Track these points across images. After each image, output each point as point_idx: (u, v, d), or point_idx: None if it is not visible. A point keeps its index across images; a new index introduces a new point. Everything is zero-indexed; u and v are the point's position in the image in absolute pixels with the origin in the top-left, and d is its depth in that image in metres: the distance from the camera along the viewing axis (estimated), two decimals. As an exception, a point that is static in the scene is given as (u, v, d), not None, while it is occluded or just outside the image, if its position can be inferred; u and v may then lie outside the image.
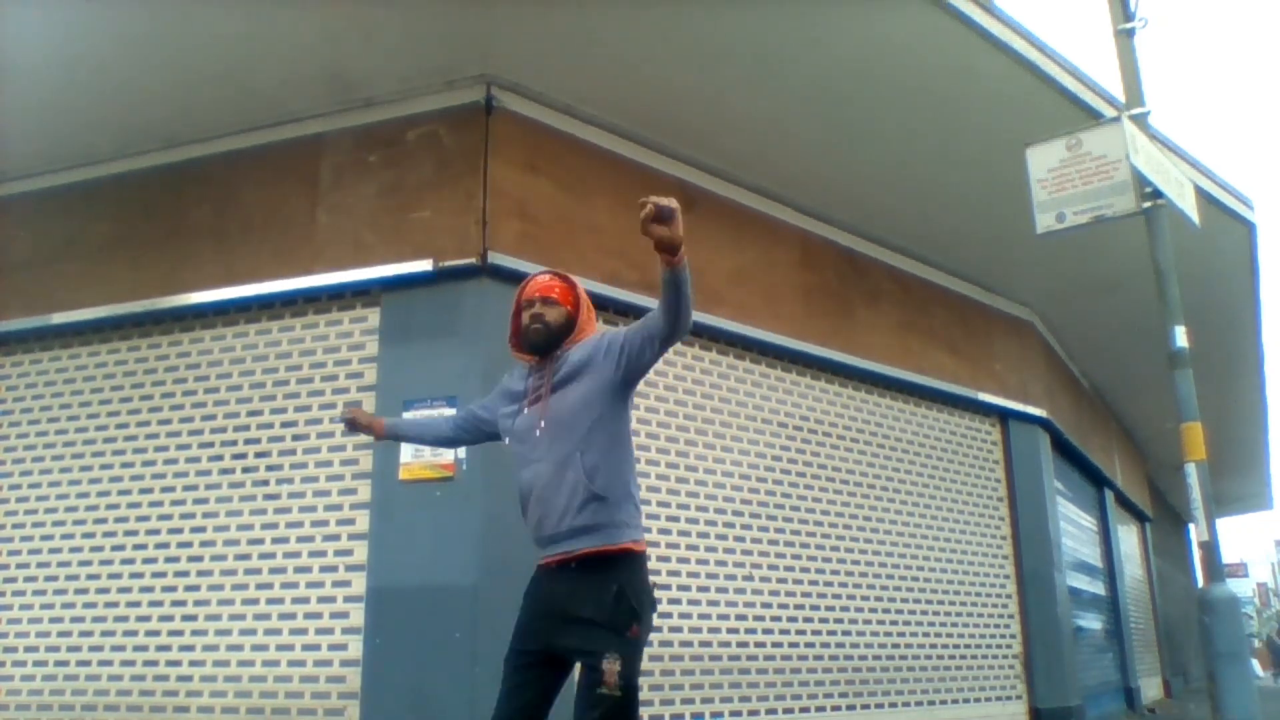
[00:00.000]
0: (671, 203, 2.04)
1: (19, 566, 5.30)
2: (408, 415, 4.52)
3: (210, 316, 5.24)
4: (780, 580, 5.82)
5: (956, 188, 6.26)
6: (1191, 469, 4.45)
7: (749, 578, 5.64)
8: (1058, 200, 4.70)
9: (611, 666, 2.18)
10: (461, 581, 4.29)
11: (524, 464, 2.47)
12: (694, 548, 5.40)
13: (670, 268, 2.14)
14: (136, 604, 4.98)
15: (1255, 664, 18.80)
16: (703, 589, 5.38)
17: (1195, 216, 5.12)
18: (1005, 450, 7.75)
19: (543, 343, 2.51)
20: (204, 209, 5.33)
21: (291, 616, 4.66)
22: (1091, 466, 10.25)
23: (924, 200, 6.41)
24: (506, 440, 2.58)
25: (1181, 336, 4.60)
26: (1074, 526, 9.48)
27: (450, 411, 4.59)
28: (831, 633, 6.04)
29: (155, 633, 4.90)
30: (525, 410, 2.50)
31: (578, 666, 2.33)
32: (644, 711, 2.07)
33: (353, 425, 2.93)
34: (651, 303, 5.21)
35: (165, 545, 5.01)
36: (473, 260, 4.64)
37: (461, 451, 4.45)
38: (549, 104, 5.08)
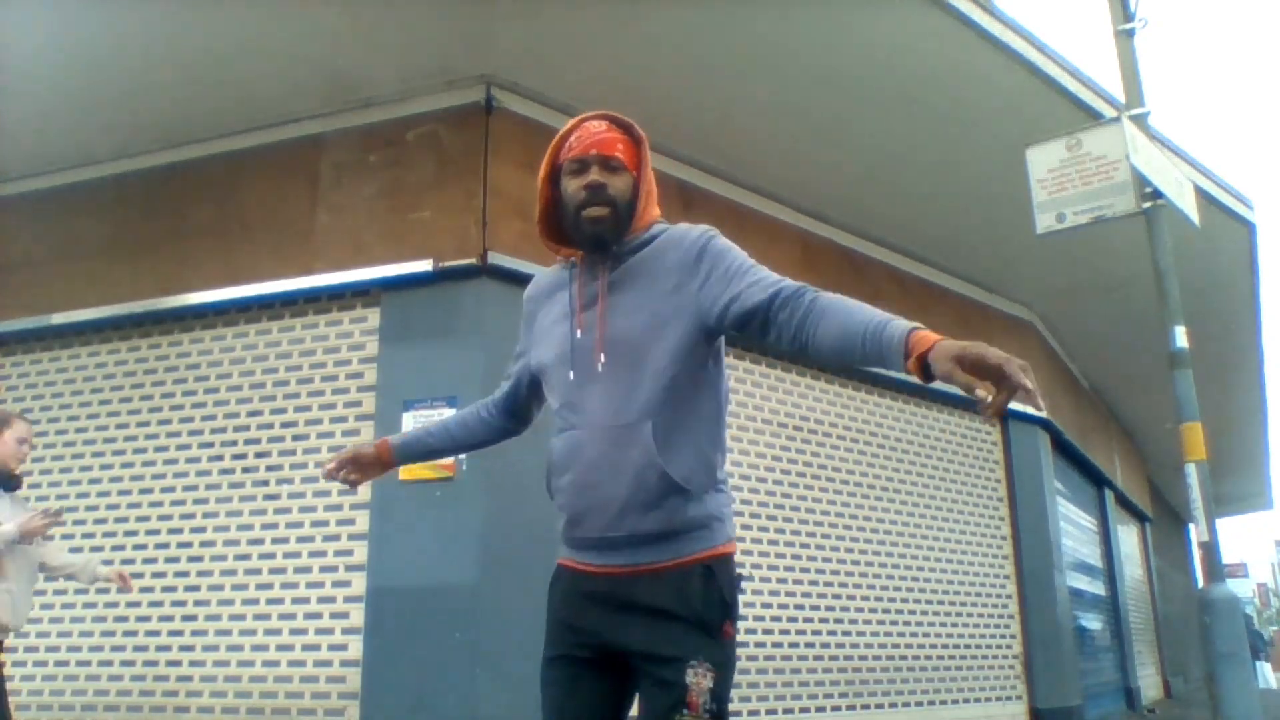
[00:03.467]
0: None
1: (19, 566, 5.30)
2: (415, 422, 4.52)
3: (210, 316, 5.24)
4: (780, 580, 5.82)
5: (956, 188, 6.26)
6: (1191, 469, 4.45)
7: (749, 578, 5.64)
8: (1058, 200, 4.70)
9: (700, 681, 1.51)
10: (461, 581, 4.29)
11: (564, 422, 1.66)
12: (694, 548, 5.40)
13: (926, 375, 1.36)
14: (136, 604, 4.98)
15: (1268, 666, 18.64)
16: (703, 589, 5.38)
17: (1195, 216, 5.12)
18: (1005, 450, 7.75)
19: (608, 235, 1.65)
20: (204, 209, 5.33)
21: (291, 616, 4.66)
22: (1091, 466, 10.24)
23: (924, 200, 6.41)
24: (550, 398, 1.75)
25: (1181, 336, 4.61)
26: (1074, 526, 9.48)
27: (450, 411, 4.59)
28: (831, 633, 6.04)
29: (155, 633, 4.90)
30: (578, 333, 1.65)
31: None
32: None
33: (348, 477, 2.00)
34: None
35: (165, 545, 5.01)
36: (473, 260, 4.64)
37: (462, 451, 4.45)
38: (549, 104, 5.07)
